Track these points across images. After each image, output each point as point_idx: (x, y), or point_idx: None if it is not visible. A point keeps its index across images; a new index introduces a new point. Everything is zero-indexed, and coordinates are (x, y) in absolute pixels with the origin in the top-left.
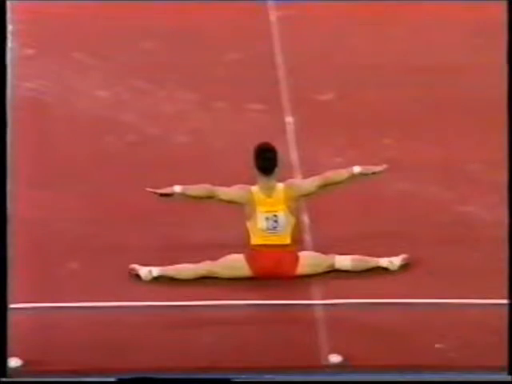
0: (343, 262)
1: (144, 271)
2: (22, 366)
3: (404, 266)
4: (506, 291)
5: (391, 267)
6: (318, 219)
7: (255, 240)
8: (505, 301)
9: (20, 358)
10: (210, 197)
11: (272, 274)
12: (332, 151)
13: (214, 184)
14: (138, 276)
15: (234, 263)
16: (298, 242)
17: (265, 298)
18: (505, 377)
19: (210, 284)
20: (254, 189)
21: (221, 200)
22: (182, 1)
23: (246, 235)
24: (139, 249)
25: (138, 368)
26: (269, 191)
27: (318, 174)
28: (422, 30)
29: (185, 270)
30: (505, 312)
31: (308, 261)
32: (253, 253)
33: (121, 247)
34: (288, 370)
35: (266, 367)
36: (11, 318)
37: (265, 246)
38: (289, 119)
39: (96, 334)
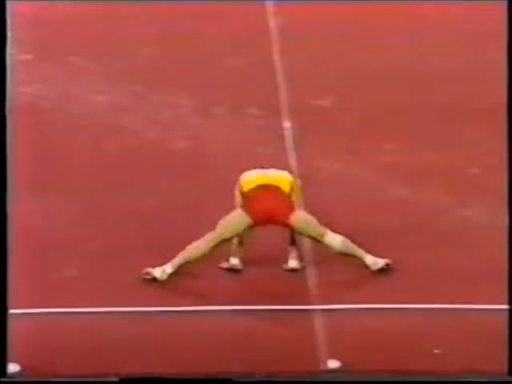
0: (334, 239)
1: (158, 272)
2: (21, 371)
3: (404, 271)
4: (506, 296)
5: (373, 266)
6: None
7: (248, 186)
8: (505, 306)
9: (20, 363)
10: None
11: (268, 215)
12: (331, 156)
13: (212, 188)
14: (150, 280)
15: (233, 218)
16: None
17: (264, 303)
18: (505, 377)
19: (212, 288)
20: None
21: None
22: (181, 4)
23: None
24: (138, 254)
25: (137, 373)
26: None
27: (316, 179)
28: (422, 34)
29: (195, 249)
30: (505, 317)
31: (303, 217)
32: (247, 199)
33: (120, 252)
34: (286, 375)
35: (264, 372)
36: (11, 324)
37: (260, 186)
38: (287, 124)
39: (95, 339)
